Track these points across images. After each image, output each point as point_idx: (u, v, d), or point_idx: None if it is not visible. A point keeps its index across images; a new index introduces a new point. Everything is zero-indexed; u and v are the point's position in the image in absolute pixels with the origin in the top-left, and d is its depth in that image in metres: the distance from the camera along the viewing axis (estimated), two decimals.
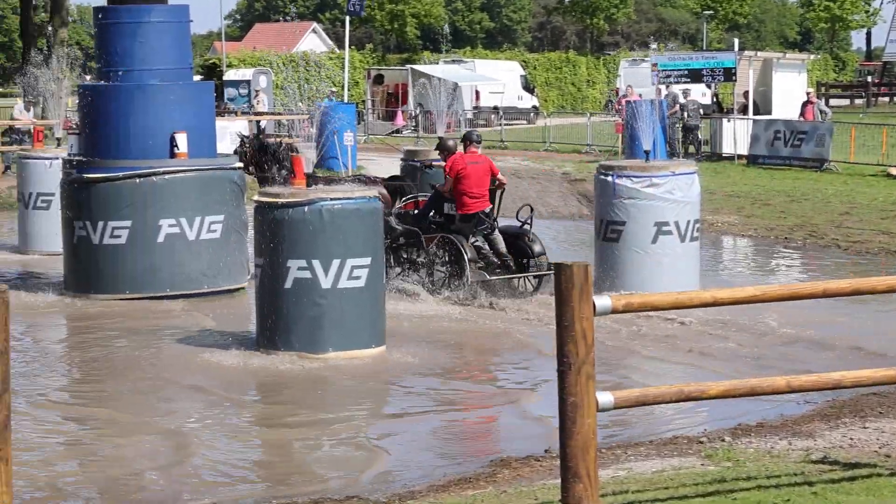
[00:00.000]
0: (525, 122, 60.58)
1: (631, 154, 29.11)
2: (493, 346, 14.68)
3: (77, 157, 18.01)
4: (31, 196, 21.94)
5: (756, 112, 38.21)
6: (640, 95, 39.75)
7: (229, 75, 59.80)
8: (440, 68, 60.81)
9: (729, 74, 37.94)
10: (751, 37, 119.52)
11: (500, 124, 49.95)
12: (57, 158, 20.76)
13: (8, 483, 5.60)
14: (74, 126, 23.43)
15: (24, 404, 11.60)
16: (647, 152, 17.49)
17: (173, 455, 10.29)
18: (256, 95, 54.27)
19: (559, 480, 6.83)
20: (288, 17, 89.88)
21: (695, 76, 38.63)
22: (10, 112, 37.47)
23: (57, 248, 19.05)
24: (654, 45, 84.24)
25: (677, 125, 36.91)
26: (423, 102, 52.17)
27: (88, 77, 42.58)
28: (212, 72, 63.16)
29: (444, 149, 17.50)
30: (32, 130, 25.84)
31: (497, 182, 17.20)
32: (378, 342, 13.72)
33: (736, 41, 43.04)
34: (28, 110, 36.30)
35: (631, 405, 7.14)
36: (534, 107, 64.42)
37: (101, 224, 17.08)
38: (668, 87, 38.37)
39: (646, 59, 55.25)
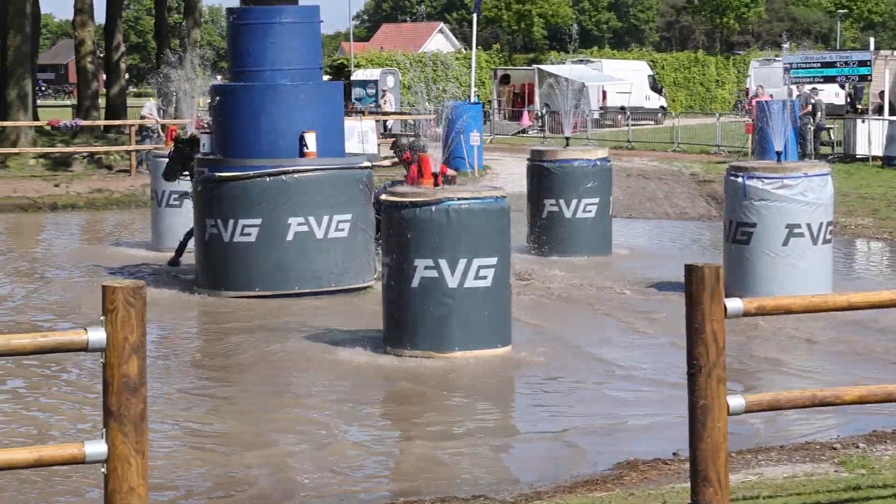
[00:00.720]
0: (652, 122, 60.18)
1: (761, 155, 28.73)
2: (616, 341, 14.59)
3: (209, 156, 18.26)
4: (164, 194, 22.29)
5: (892, 112, 37.47)
6: (772, 96, 39.24)
7: (357, 75, 60.25)
8: (567, 68, 60.61)
9: (864, 75, 37.21)
10: (886, 36, 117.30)
11: (628, 124, 49.66)
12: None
13: (144, 475, 5.68)
14: (206, 125, 23.73)
15: (158, 399, 11.78)
16: (778, 153, 17.24)
17: (300, 452, 10.37)
18: (383, 95, 54.63)
19: (688, 484, 6.75)
20: (415, 18, 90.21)
21: (828, 77, 37.96)
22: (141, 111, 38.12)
23: (189, 246, 19.33)
24: (786, 45, 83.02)
25: (809, 126, 36.36)
26: (549, 102, 52.05)
27: (219, 77, 43.20)
28: (340, 72, 63.70)
29: (399, 147, 17.82)
30: (166, 129, 26.24)
31: None
32: (504, 342, 13.70)
33: (871, 40, 42.27)
34: (160, 110, 36.85)
35: (762, 409, 7.03)
36: (661, 107, 63.96)
37: (231, 222, 17.29)
38: (799, 87, 37.80)
39: (777, 58, 54.54)
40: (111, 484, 5.66)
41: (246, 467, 9.93)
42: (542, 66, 62.88)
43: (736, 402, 6.68)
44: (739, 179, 16.62)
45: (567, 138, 22.88)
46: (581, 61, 66.53)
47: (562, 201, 21.15)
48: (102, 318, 5.64)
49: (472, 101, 50.19)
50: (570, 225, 21.17)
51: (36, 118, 39.78)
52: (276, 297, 17.10)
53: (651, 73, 67.06)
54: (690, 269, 6.63)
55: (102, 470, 5.64)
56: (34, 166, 35.64)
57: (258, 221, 17.21)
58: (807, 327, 14.92)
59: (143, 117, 36.98)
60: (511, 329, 13.85)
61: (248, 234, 17.27)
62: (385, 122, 45.35)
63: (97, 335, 5.63)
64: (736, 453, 9.22)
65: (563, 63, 66.19)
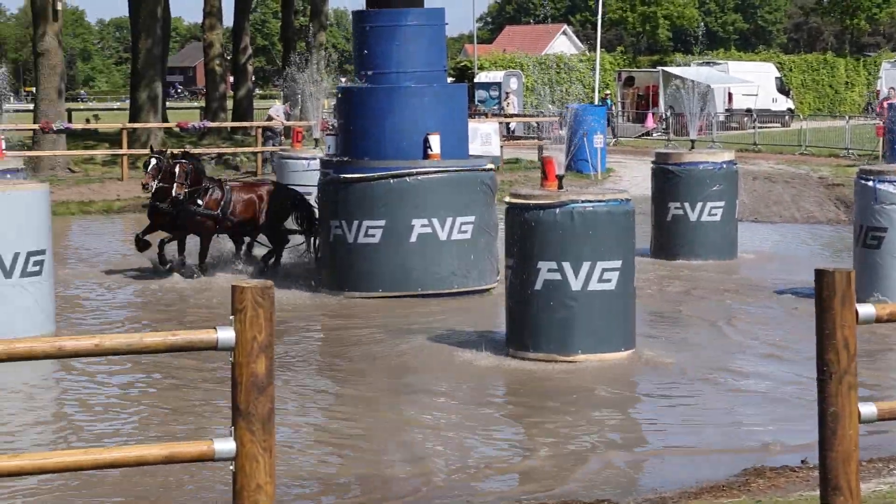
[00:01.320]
0: (779, 124, 59.40)
1: (892, 158, 28.25)
2: (741, 345, 14.43)
3: (334, 158, 18.41)
4: None
5: None
6: None
7: (480, 77, 60.32)
8: (692, 70, 60.09)
9: None
10: None
11: (754, 127, 49.07)
12: (314, 159, 21.28)
13: (271, 473, 5.73)
14: (331, 127, 23.94)
15: (287, 398, 11.89)
16: None
17: (424, 451, 10.41)
18: (506, 97, 54.61)
19: (817, 492, 6.65)
20: (539, 20, 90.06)
21: None
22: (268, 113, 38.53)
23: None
24: None
25: None
26: (674, 105, 51.65)
27: (344, 79, 43.55)
28: (463, 74, 63.84)
29: None
30: (292, 131, 26.52)
31: None
32: (628, 345, 13.62)
33: None
34: (286, 113, 37.23)
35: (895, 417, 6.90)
36: (789, 109, 63.10)
37: (356, 223, 17.41)
38: None
39: None
40: (239, 481, 5.72)
41: (377, 467, 9.99)
42: (666, 68, 62.41)
43: (868, 409, 6.56)
44: (870, 183, 16.34)
45: (692, 141, 22.70)
46: (707, 63, 65.89)
47: (686, 204, 20.98)
48: (231, 317, 5.71)
49: (605, 103, 50.01)
50: (694, 228, 20.99)
51: (165, 120, 40.46)
52: (399, 299, 17.18)
53: (778, 74, 66.19)
54: (821, 274, 6.52)
55: (231, 468, 5.71)
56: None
57: (382, 223, 17.31)
58: None
59: (269, 118, 37.39)
60: (635, 332, 13.76)
61: (372, 236, 17.37)
62: (508, 124, 45.34)
63: (226, 334, 5.70)
64: (867, 462, 9.06)
65: (689, 65, 65.63)
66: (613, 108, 52.96)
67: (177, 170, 18.84)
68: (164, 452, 5.75)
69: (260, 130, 37.33)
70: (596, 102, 49.98)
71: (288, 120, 36.13)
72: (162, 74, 40.50)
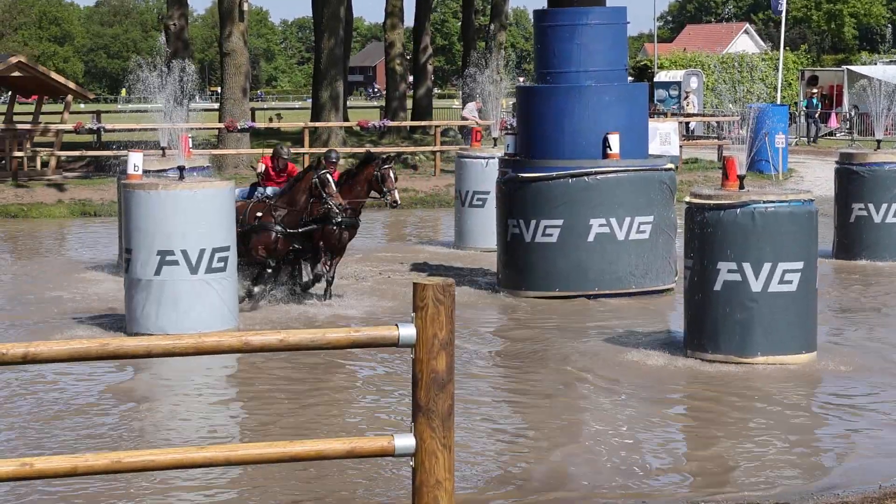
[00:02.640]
0: None
1: None
2: None
3: (513, 157, 18.48)
4: (468, 194, 22.70)
5: None
6: None
7: (660, 77, 59.84)
8: (879, 69, 58.74)
9: None
10: None
11: None
12: (493, 158, 21.38)
13: (450, 469, 5.82)
14: (510, 127, 24.01)
15: (464, 395, 12.00)
16: None
17: (599, 450, 10.41)
18: (686, 97, 54.07)
19: None
20: (721, 18, 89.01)
21: None
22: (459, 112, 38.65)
23: (491, 245, 19.62)
24: None
25: None
26: (858, 104, 50.57)
27: (522, 79, 43.60)
28: (643, 73, 63.42)
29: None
30: (471, 131, 26.63)
31: None
32: (809, 348, 13.42)
33: None
34: (479, 110, 37.26)
35: None
36: None
37: (533, 222, 17.45)
38: None
39: None
40: (419, 477, 5.82)
41: (552, 465, 10.04)
42: (851, 67, 61.13)
43: None
44: None
45: (878, 141, 22.22)
46: (894, 62, 64.36)
47: (871, 205, 20.59)
48: (413, 314, 5.81)
49: (812, 102, 49.03)
50: (879, 229, 20.59)
51: (346, 119, 41.01)
52: (576, 298, 17.18)
53: None
54: None
55: (410, 463, 5.81)
56: (342, 166, 36.70)
57: (560, 222, 17.32)
58: None
59: (463, 118, 37.50)
60: (816, 335, 13.56)
61: (550, 235, 17.40)
62: (688, 123, 44.91)
63: (407, 331, 5.80)
64: None
65: (875, 63, 64.19)
66: (818, 106, 51.88)
67: (391, 173, 17.28)
68: (347, 447, 5.88)
69: (440, 129, 37.60)
70: (778, 102, 49.17)
71: (481, 118, 36.23)
72: (344, 74, 41.07)
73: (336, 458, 5.99)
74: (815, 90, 54.57)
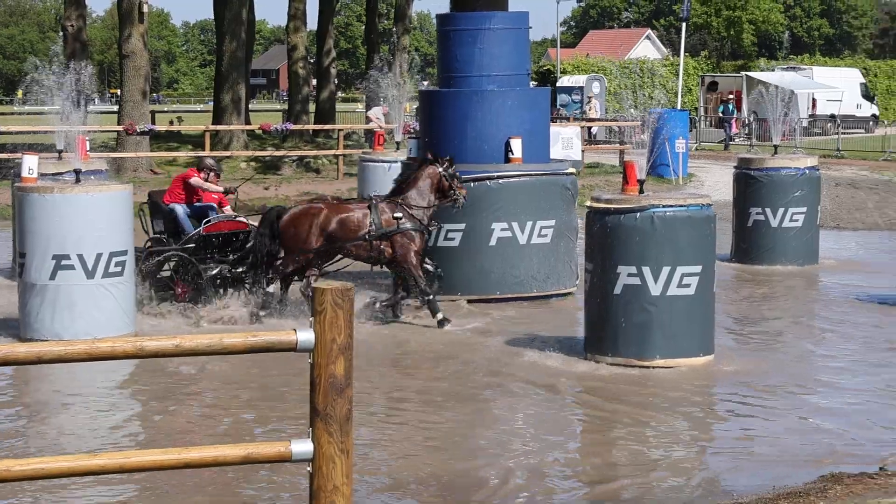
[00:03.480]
0: (863, 130, 58.75)
1: None
2: (821, 354, 14.31)
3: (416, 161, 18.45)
4: None
5: None
6: None
7: (563, 81, 60.23)
8: (776, 75, 59.62)
9: None
10: None
11: (837, 133, 48.59)
12: (396, 162, 21.35)
13: (348, 474, 5.78)
14: (413, 131, 24.02)
15: (361, 399, 11.96)
16: None
17: (498, 452, 10.43)
18: (589, 102, 54.48)
19: (894, 499, 6.60)
20: (622, 24, 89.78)
21: None
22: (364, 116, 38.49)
23: None
24: None
25: None
26: (757, 110, 51.27)
27: (426, 83, 43.64)
28: (546, 78, 63.77)
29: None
30: (374, 135, 26.61)
31: None
32: (706, 351, 13.57)
33: None
34: (385, 114, 37.16)
35: None
36: (873, 115, 62.39)
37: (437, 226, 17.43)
38: None
39: None
40: (316, 482, 5.78)
41: (451, 467, 10.03)
42: (750, 73, 61.94)
43: None
44: None
45: (775, 146, 22.52)
46: (791, 68, 65.33)
47: (768, 210, 20.86)
48: (311, 318, 5.77)
49: (728, 109, 49.47)
50: (775, 234, 20.86)
51: (248, 122, 40.77)
52: (478, 302, 17.21)
53: (863, 80, 65.48)
54: None
55: (308, 469, 5.77)
56: (245, 170, 36.52)
57: (462, 226, 17.34)
58: None
59: (368, 121, 37.34)
60: (714, 338, 13.71)
61: (452, 239, 17.41)
62: (590, 128, 45.24)
63: (306, 335, 5.76)
64: None
65: (773, 70, 65.11)
66: (736, 112, 52.42)
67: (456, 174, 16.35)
68: (242, 453, 5.82)
69: (343, 133, 37.50)
70: (678, 107, 49.68)
71: (387, 122, 36.20)
72: (246, 77, 40.84)
73: (232, 464, 5.93)
74: (730, 96, 55.20)
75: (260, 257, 16.20)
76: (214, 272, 16.57)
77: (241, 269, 16.59)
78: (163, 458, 5.76)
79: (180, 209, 17.23)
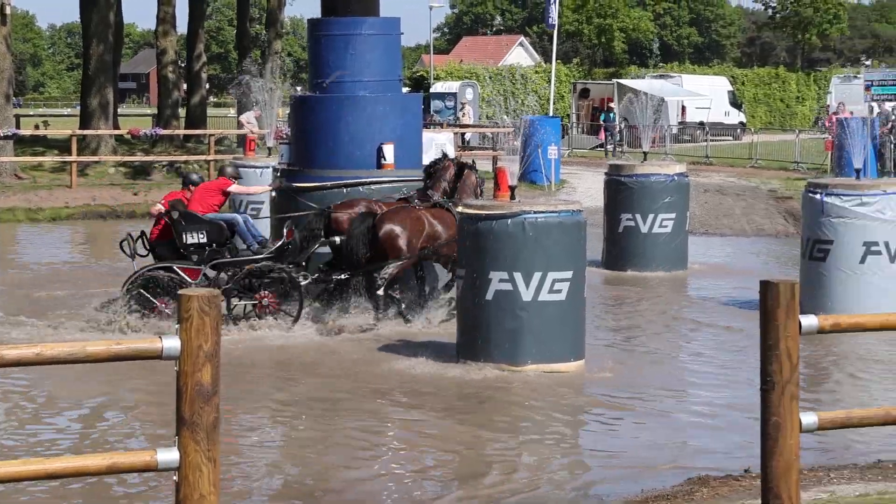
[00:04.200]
0: (731, 138, 59.74)
1: (840, 172, 28.48)
2: (690, 357, 14.52)
3: (287, 166, 18.36)
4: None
5: None
6: (852, 113, 38.82)
7: (436, 88, 60.37)
8: (646, 83, 60.38)
9: None
10: None
11: (706, 140, 49.34)
12: (268, 167, 21.23)
13: (215, 483, 5.72)
14: (285, 136, 23.88)
15: (231, 408, 11.86)
16: (857, 171, 17.09)
17: (367, 457, 10.41)
18: (462, 108, 54.67)
19: (759, 501, 6.70)
20: (495, 31, 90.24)
21: None
22: (237, 121, 37.99)
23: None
24: (867, 62, 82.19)
25: (889, 143, 35.91)
26: (628, 117, 51.89)
27: (299, 88, 43.43)
28: (419, 84, 63.87)
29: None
30: (245, 140, 26.41)
31: None
32: (577, 356, 13.68)
33: None
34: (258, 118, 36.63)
35: (835, 427, 6.96)
36: (741, 123, 63.50)
37: None
38: (880, 104, 37.41)
39: (858, 75, 54.00)
40: (183, 491, 5.70)
41: (319, 473, 9.99)
42: (621, 81, 62.65)
43: (808, 419, 6.62)
44: (817, 196, 16.50)
45: (645, 153, 22.80)
46: (661, 76, 66.22)
47: (638, 216, 21.09)
48: (177, 325, 5.70)
49: (610, 117, 49.62)
50: (645, 240, 21.10)
51: (117, 127, 40.24)
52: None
53: (731, 88, 66.60)
54: (766, 286, 6.58)
55: (174, 478, 5.69)
56: (114, 175, 36.04)
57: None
58: (882, 345, 14.76)
59: (240, 125, 36.79)
60: (585, 343, 13.82)
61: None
62: (464, 134, 45.39)
63: (171, 343, 5.68)
64: (808, 471, 9.14)
65: (643, 78, 65.91)
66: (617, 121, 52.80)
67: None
68: (107, 462, 5.73)
69: (214, 138, 37.18)
70: (551, 114, 50.08)
71: (259, 127, 35.80)
72: (114, 81, 40.33)
73: (97, 474, 5.83)
74: (612, 103, 55.76)
75: (356, 263, 15.94)
76: (308, 281, 16.10)
77: (341, 276, 16.15)
78: (24, 468, 5.64)
79: (240, 218, 16.93)
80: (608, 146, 50.48)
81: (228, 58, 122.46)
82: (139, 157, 37.45)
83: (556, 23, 50.29)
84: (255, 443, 11.04)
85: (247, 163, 23.00)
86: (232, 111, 41.36)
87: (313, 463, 10.34)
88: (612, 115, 53.42)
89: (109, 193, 32.64)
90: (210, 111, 54.46)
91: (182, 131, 41.88)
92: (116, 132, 38.71)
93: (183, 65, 51.02)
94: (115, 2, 39.38)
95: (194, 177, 17.52)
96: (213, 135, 38.01)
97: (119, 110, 45.25)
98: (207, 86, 51.27)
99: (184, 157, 37.67)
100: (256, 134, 28.88)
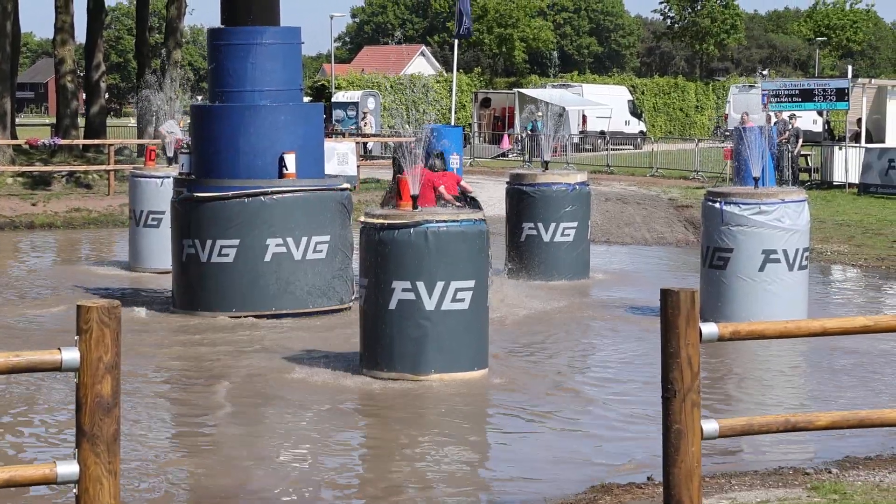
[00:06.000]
0: (632, 147, 60.37)
1: (739, 181, 28.86)
2: (591, 365, 14.61)
3: (188, 176, 18.24)
4: (143, 214, 22.29)
5: (869, 140, 37.66)
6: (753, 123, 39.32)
7: (338, 97, 60.33)
8: (547, 92, 60.81)
9: (842, 95, 37.05)
10: (865, 64, 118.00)
11: (607, 149, 49.80)
12: (168, 177, 21.07)
13: (116, 496, 5.66)
14: (185, 146, 23.71)
15: (133, 418, 11.74)
16: (756, 179, 17.32)
17: (272, 469, 10.36)
18: (364, 117, 54.67)
19: None
20: (396, 41, 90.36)
21: (805, 95, 37.84)
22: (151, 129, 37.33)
23: (167, 266, 19.30)
24: (764, 72, 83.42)
25: (787, 152, 36.47)
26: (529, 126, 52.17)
27: (200, 97, 43.12)
28: (320, 93, 63.76)
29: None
30: (145, 150, 26.14)
31: None
32: (480, 365, 13.71)
33: (850, 68, 42.44)
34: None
35: (736, 434, 7.05)
36: (641, 132, 64.19)
37: (209, 242, 17.27)
38: (778, 114, 37.95)
39: (755, 85, 54.78)
40: None
41: (226, 485, 9.91)
42: (522, 90, 63.03)
43: (710, 426, 6.70)
44: (717, 205, 16.70)
45: (545, 162, 22.92)
46: (562, 85, 66.73)
47: (540, 225, 21.20)
48: (77, 337, 5.63)
49: (533, 128, 49.82)
50: (547, 248, 21.21)
51: (14, 136, 39.68)
52: (254, 318, 17.08)
53: (631, 98, 67.32)
54: (666, 294, 6.65)
55: (74, 491, 5.62)
56: (12, 185, 35.53)
57: (236, 242, 17.20)
58: (782, 353, 14.97)
59: (162, 136, 36.10)
60: (488, 353, 13.86)
61: (226, 255, 17.25)
62: (365, 143, 45.39)
63: (71, 355, 5.62)
64: (709, 478, 9.23)
65: (544, 87, 66.38)
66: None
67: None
68: (4, 476, 5.65)
69: (114, 148, 36.79)
70: (452, 123, 50.20)
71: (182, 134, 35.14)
72: (11, 90, 39.75)
73: None
74: (538, 113, 55.98)
75: None
76: None
77: None
78: None
79: None
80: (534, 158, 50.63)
81: (128, 67, 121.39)
82: (38, 168, 36.95)
83: (470, 33, 50.20)
84: (153, 454, 10.92)
85: (147, 172, 22.78)
86: (132, 121, 40.98)
87: (210, 475, 10.25)
88: (538, 124, 53.64)
89: (8, 204, 32.18)
90: (110, 121, 53.92)
91: (82, 141, 41.40)
92: (14, 142, 38.16)
93: (82, 74, 50.46)
94: (12, 10, 38.82)
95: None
96: (113, 144, 37.62)
97: (17, 120, 44.56)
98: (107, 96, 50.71)
99: (83, 167, 37.25)
100: (181, 139, 28.47)
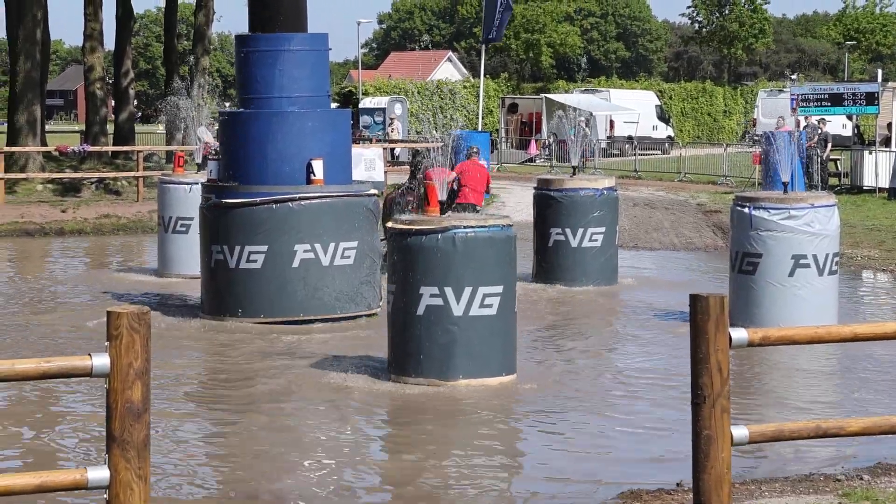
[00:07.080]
0: (660, 152, 60.25)
1: (768, 186, 28.75)
2: (621, 370, 14.57)
3: (216, 182, 18.28)
4: (171, 220, 22.35)
5: None
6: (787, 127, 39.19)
7: (365, 103, 60.40)
8: (575, 97, 60.77)
9: (871, 99, 36.85)
10: (895, 68, 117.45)
11: (635, 154, 49.72)
12: (196, 183, 21.12)
13: (146, 501, 5.68)
14: (214, 152, 23.77)
15: (163, 425, 11.77)
16: (785, 184, 17.26)
17: (303, 475, 10.37)
18: (391, 123, 54.71)
19: None
20: (423, 46, 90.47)
21: (835, 100, 37.63)
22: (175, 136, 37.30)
23: (195, 272, 19.35)
24: (793, 76, 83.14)
25: (816, 156, 36.35)
26: (556, 132, 52.14)
27: (228, 104, 43.20)
28: (348, 99, 63.87)
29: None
30: (174, 156, 26.22)
31: None
32: (509, 371, 13.69)
33: (879, 72, 42.24)
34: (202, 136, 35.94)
35: (766, 440, 7.03)
36: (669, 137, 64.03)
37: (237, 248, 17.30)
38: (807, 118, 37.83)
39: (784, 89, 54.62)
40: None
41: (255, 491, 9.93)
42: (549, 96, 62.99)
43: (739, 432, 6.68)
44: (746, 210, 16.64)
45: (574, 167, 22.89)
46: (589, 91, 66.65)
47: (568, 230, 21.15)
48: (107, 343, 5.65)
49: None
50: (575, 254, 21.16)
51: (44, 144, 39.88)
52: (282, 324, 17.10)
53: (658, 102, 67.19)
54: (695, 299, 6.63)
55: (105, 496, 5.65)
56: (42, 192, 35.71)
57: (264, 248, 17.22)
58: (812, 358, 14.90)
59: (204, 143, 36.04)
60: (516, 358, 13.85)
61: (254, 261, 17.28)
62: (392, 149, 45.42)
63: (101, 361, 5.65)
64: (739, 484, 9.20)
65: (571, 92, 66.32)
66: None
67: None
68: (36, 482, 5.67)
69: (142, 155, 36.93)
70: (479, 129, 50.20)
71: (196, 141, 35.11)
72: (41, 97, 39.95)
73: (26, 493, 5.76)
74: (581, 119, 55.88)
75: None
76: None
77: None
78: None
79: None
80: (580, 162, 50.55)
81: (157, 74, 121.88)
82: (68, 175, 37.12)
83: (501, 37, 50.07)
84: (190, 457, 10.94)
85: (175, 179, 22.86)
86: (160, 128, 41.09)
87: (246, 480, 10.27)
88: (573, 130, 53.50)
89: (38, 211, 32.35)
90: (138, 128, 54.12)
91: (111, 148, 41.58)
92: (44, 149, 38.36)
93: (111, 81, 50.67)
94: (42, 18, 39.02)
95: None
96: (142, 151, 37.77)
97: (47, 127, 44.78)
98: (136, 102, 50.91)
99: (113, 174, 37.41)
100: (209, 143, 28.46)
